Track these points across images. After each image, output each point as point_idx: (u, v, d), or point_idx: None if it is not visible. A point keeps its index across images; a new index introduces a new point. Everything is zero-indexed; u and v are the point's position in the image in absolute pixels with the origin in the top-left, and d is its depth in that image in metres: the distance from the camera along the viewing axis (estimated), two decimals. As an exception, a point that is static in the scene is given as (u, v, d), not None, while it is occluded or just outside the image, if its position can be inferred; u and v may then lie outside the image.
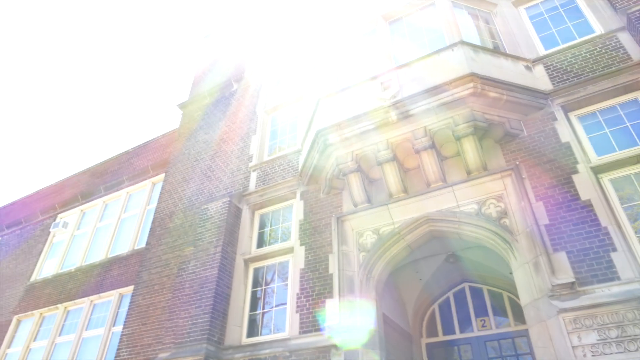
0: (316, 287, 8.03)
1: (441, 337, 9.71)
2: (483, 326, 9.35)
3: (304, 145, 9.81)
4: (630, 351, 5.32)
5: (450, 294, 10.06)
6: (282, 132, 11.53)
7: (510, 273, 9.05)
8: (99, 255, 13.91)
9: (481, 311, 9.59)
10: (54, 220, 16.29)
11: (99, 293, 12.63)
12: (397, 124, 7.98)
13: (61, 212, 16.52)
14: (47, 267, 14.90)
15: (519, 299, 9.23)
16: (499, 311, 9.46)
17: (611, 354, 5.40)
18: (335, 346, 7.14)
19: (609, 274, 5.90)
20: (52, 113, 55.99)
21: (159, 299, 10.33)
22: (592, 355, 5.47)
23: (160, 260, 11.16)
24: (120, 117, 58.65)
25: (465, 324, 9.64)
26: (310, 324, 7.68)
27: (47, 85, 54.70)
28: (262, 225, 9.99)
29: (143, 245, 12.27)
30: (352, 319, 7.44)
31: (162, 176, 14.01)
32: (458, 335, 9.53)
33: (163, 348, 8.87)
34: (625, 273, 5.81)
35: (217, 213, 9.93)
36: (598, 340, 5.53)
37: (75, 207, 16.19)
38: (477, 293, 9.84)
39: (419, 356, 9.54)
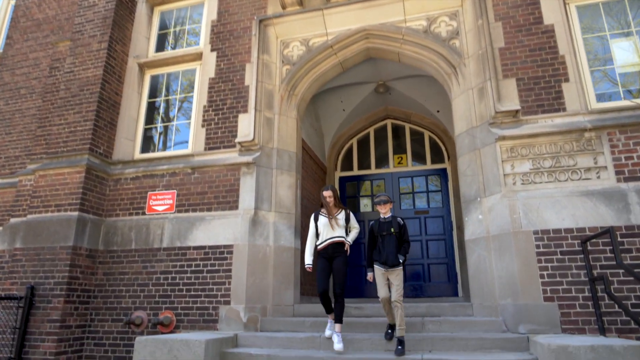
0: (228, 100, 6.77)
1: (356, 172, 9.39)
2: (399, 163, 9.12)
3: None
4: (560, 181, 5.12)
5: (371, 130, 9.52)
6: None
7: (438, 111, 8.59)
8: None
9: (400, 149, 9.27)
10: None
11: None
12: None
13: None
14: None
15: (440, 139, 8.98)
16: (418, 150, 9.21)
17: (541, 182, 5.17)
18: (246, 164, 6.24)
19: (556, 105, 5.44)
20: None
21: (27, 105, 8.37)
22: (522, 183, 5.22)
23: (27, 59, 8.82)
24: None
25: (382, 161, 9.34)
26: (218, 140, 6.60)
27: None
28: (163, 26, 8.01)
29: (5, 42, 9.58)
30: (268, 137, 6.49)
31: (27, -45, 10.55)
32: (373, 171, 9.27)
33: (34, 159, 7.32)
34: (572, 105, 5.38)
35: (102, 0, 7.65)
36: (531, 169, 5.25)
37: None
38: (398, 131, 9.40)
39: (332, 188, 9.23)
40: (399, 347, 4.49)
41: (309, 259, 5.13)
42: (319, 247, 5.05)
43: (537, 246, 4.90)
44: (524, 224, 5.00)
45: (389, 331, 4.80)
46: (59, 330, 5.80)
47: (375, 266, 4.84)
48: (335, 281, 4.92)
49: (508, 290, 4.95)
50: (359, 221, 8.94)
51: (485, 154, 5.54)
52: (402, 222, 4.96)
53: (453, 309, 5.42)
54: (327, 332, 4.95)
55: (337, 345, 4.65)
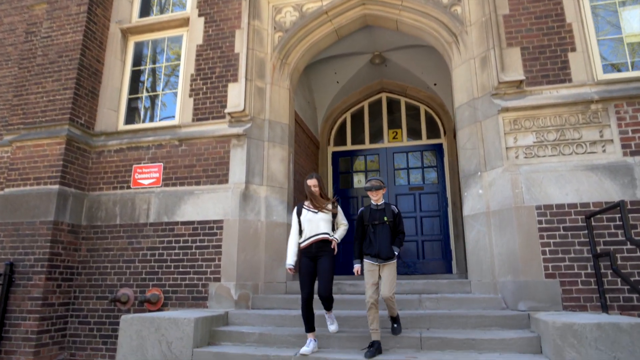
0: (217, 69, 6.41)
1: (349, 147, 9.13)
2: (394, 138, 8.88)
3: None
4: (564, 155, 4.93)
5: (365, 103, 9.22)
6: None
7: (435, 84, 8.32)
8: None
9: (395, 124, 9.01)
10: None
11: None
12: None
13: None
14: None
15: (436, 113, 8.73)
16: (413, 125, 8.96)
17: (545, 156, 4.98)
18: (237, 136, 5.94)
19: (561, 76, 5.20)
20: None
21: (3, 74, 7.88)
22: (525, 157, 5.02)
23: (1, 24, 8.28)
24: None
25: (376, 135, 9.08)
26: (207, 111, 6.27)
27: None
28: (147, -11, 7.54)
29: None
30: (260, 107, 6.18)
31: None
32: (367, 146, 9.02)
33: (10, 130, 6.93)
34: (578, 75, 5.15)
35: (80, -40, 7.13)
36: (534, 142, 5.04)
37: None
38: (393, 105, 9.11)
39: (324, 163, 8.99)
40: (395, 325, 4.25)
41: (291, 259, 4.40)
42: (302, 245, 4.35)
43: (540, 222, 4.73)
44: (526, 199, 4.82)
45: (371, 348, 3.94)
46: (41, 308, 5.56)
47: (366, 260, 4.21)
48: (320, 284, 4.19)
49: (508, 267, 4.80)
50: (352, 197, 8.86)
51: (487, 126, 5.32)
52: (396, 210, 4.34)
53: (451, 286, 5.28)
54: (305, 349, 4.04)
55: (332, 327, 4.40)
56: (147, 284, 5.79)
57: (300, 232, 4.41)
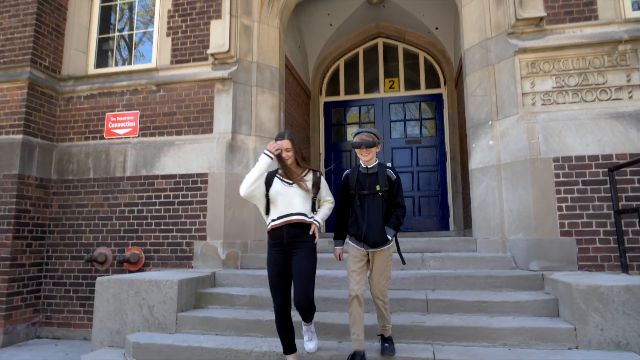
0: (197, 3, 5.67)
1: (343, 97, 8.52)
2: (391, 88, 8.28)
3: None
4: (586, 101, 4.46)
5: (360, 50, 8.52)
6: None
7: (437, 28, 7.68)
8: None
9: (391, 72, 8.38)
10: None
11: None
12: None
13: None
14: None
15: (436, 61, 8.12)
16: (411, 73, 8.34)
17: (564, 103, 4.50)
18: (221, 80, 5.31)
19: (587, 12, 4.64)
20: None
21: (-45, 9, 6.98)
22: (542, 104, 4.54)
23: (-51, -49, 7.26)
24: None
25: (371, 85, 8.46)
26: (187, 52, 5.59)
27: None
28: None
29: None
30: (246, 48, 5.52)
31: None
32: (362, 96, 8.42)
33: (-34, 73, 6.16)
34: (606, 12, 4.60)
35: None
36: (554, 87, 4.55)
37: None
38: (390, 52, 8.45)
39: (316, 114, 8.40)
40: (386, 344, 3.15)
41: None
42: (269, 226, 3.18)
43: (557, 175, 4.33)
44: (543, 150, 4.38)
45: None
46: (10, 269, 5.09)
47: (350, 243, 3.21)
48: (297, 289, 3.03)
49: (520, 224, 4.43)
50: (344, 151, 8.35)
51: (501, 69, 4.79)
52: (394, 175, 3.21)
53: (455, 244, 4.93)
54: None
55: (310, 345, 3.22)
56: (126, 243, 5.33)
57: (268, 210, 3.24)
